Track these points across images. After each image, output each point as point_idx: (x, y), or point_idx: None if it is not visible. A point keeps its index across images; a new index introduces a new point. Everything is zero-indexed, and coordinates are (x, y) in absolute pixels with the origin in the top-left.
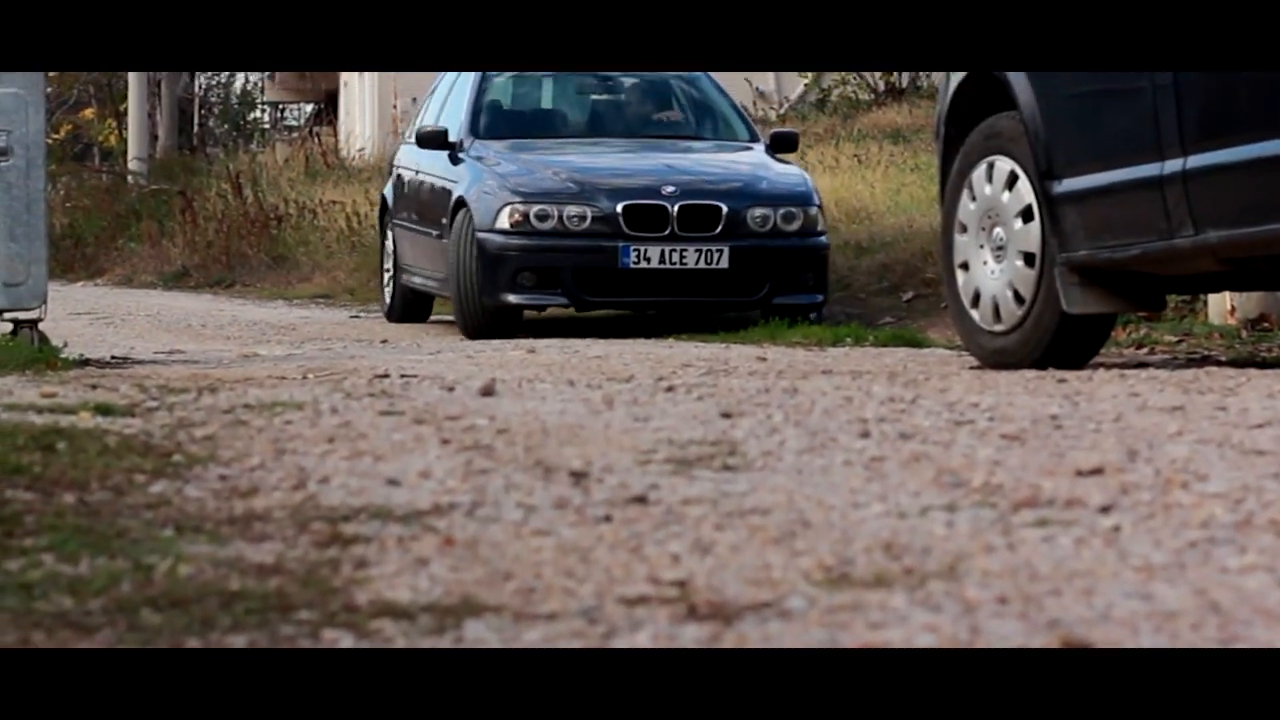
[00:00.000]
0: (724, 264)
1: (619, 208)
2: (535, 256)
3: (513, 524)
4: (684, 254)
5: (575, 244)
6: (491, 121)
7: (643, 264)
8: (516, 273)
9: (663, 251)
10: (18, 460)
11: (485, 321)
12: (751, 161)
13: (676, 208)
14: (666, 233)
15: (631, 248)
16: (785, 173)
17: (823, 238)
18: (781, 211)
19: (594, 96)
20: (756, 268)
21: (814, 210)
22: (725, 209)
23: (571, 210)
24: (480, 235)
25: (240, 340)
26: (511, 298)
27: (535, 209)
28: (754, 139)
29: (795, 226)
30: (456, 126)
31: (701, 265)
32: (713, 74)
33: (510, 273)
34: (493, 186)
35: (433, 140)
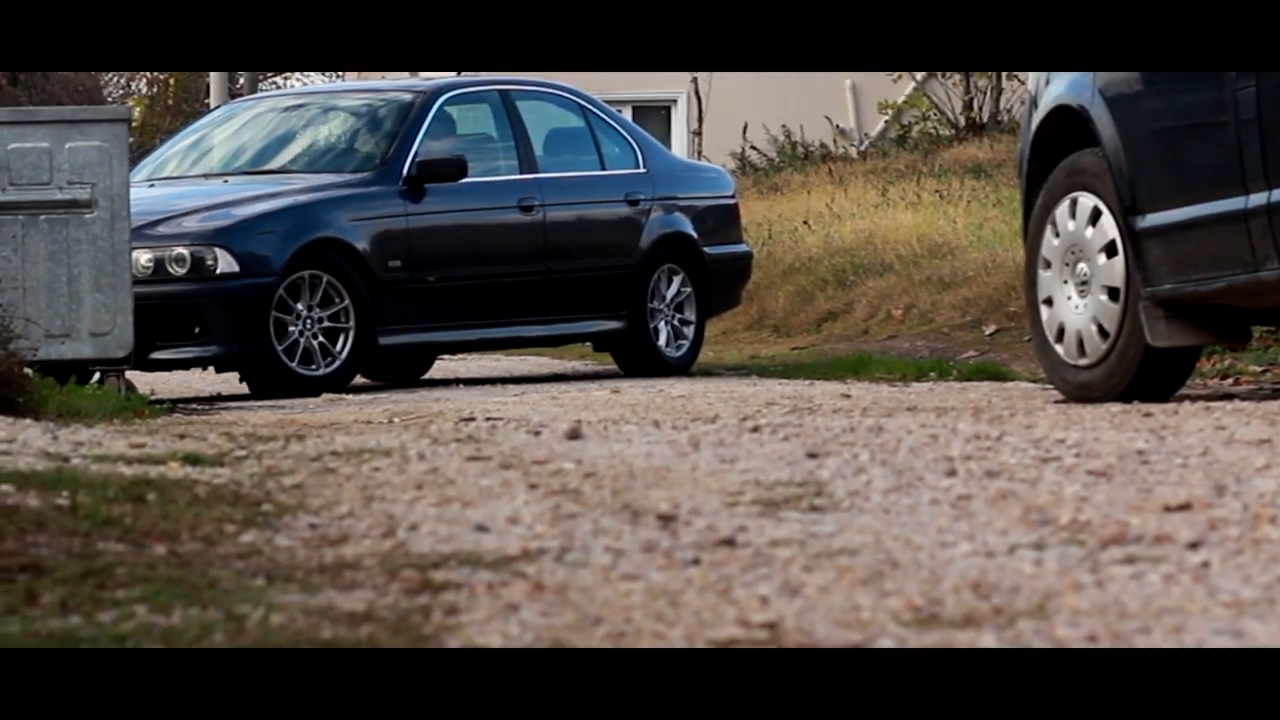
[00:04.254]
0: None
1: None
2: None
3: (601, 568)
4: None
5: None
6: (166, 155)
7: None
8: None
9: None
10: (109, 512)
11: None
12: (299, 194)
13: None
14: None
15: None
16: (249, 211)
17: (229, 282)
18: (172, 253)
19: (291, 129)
20: None
21: (219, 251)
22: None
23: None
24: None
25: None
26: None
27: None
28: (364, 169)
29: (184, 270)
30: None
31: None
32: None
33: None
34: None
35: None
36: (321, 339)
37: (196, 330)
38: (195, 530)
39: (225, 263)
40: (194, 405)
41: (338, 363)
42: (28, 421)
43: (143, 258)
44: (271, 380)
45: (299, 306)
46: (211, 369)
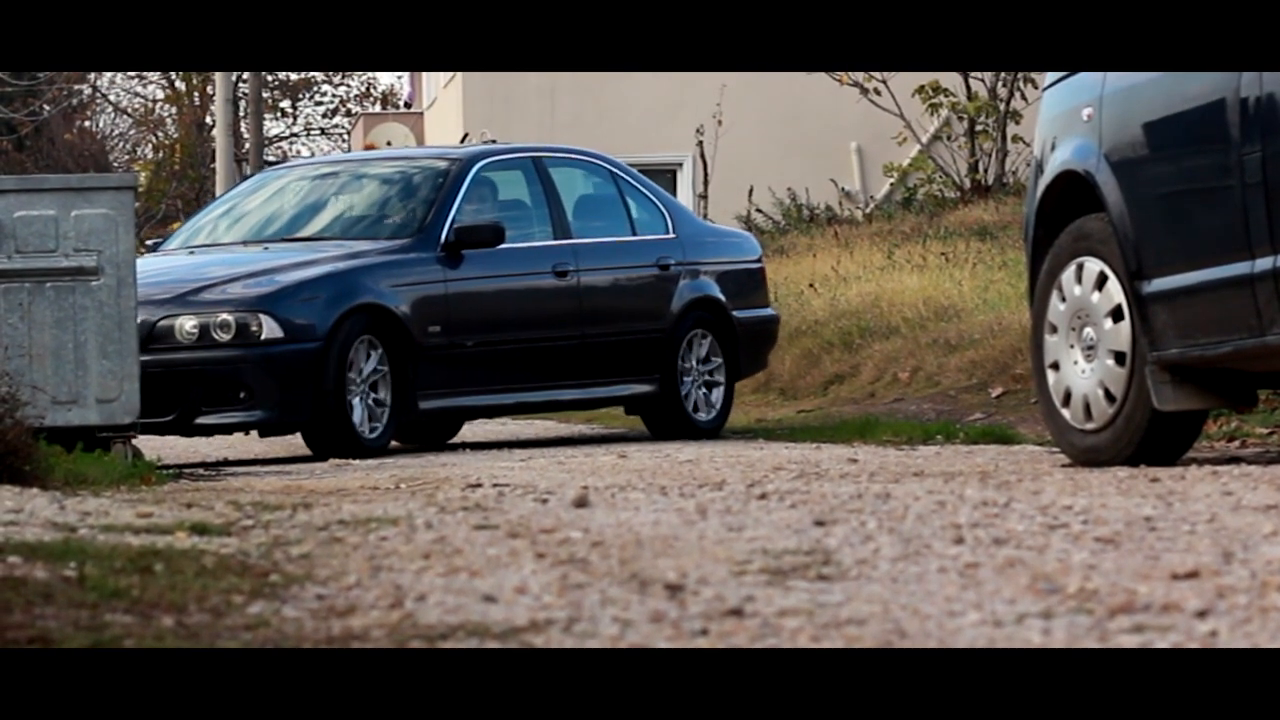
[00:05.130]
0: None
1: None
2: None
3: (610, 638)
4: None
5: None
6: (201, 223)
7: None
8: None
9: None
10: (116, 583)
11: None
12: (341, 260)
13: None
14: None
15: None
16: (292, 278)
17: (273, 348)
18: (217, 320)
19: (325, 197)
20: (165, 384)
21: (263, 317)
22: (139, 319)
23: None
24: None
25: None
26: None
27: None
28: (401, 235)
29: (228, 336)
30: None
31: None
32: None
33: None
34: None
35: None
36: (371, 402)
37: (241, 395)
38: (203, 601)
39: (269, 329)
40: (199, 470)
41: (381, 426)
42: (35, 490)
43: (188, 324)
44: (338, 443)
45: (365, 369)
46: (254, 433)
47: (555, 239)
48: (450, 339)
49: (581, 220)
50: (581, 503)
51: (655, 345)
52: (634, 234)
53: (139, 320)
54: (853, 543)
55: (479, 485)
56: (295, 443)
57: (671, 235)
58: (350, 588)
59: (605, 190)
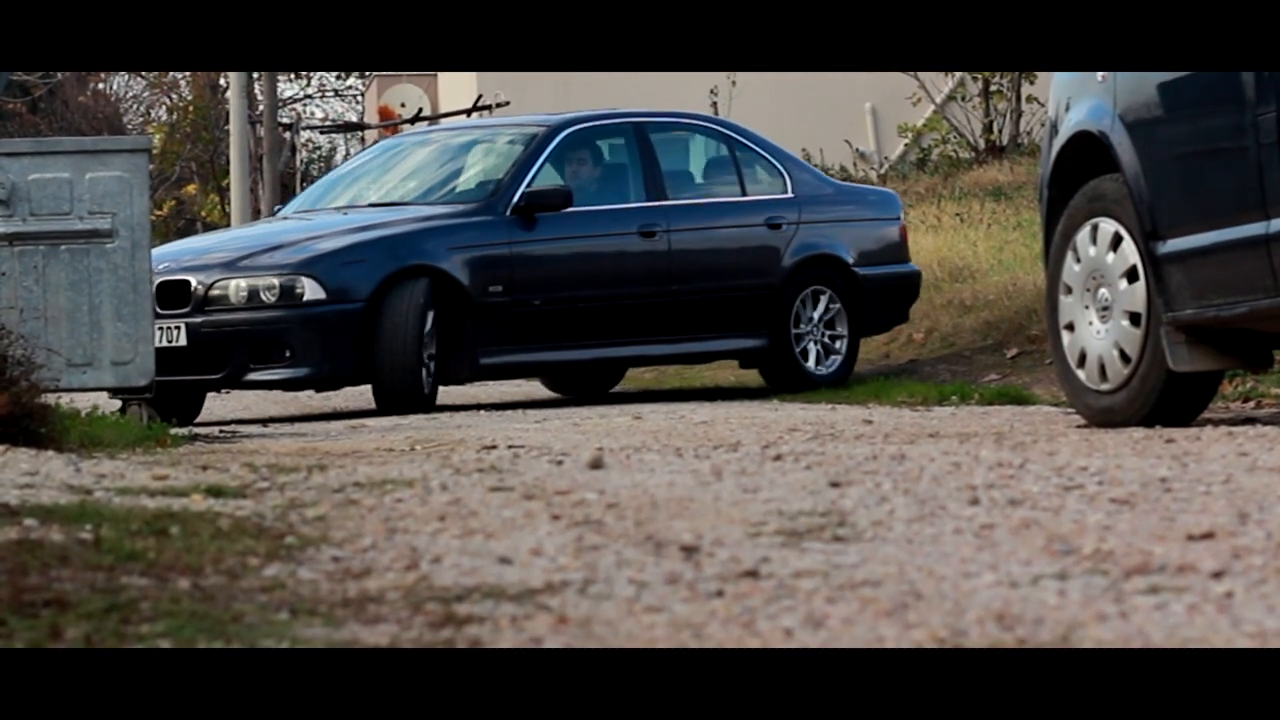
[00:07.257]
0: (182, 341)
1: None
2: None
3: (625, 600)
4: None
5: None
6: (315, 193)
7: None
8: None
9: None
10: (132, 546)
11: None
12: (401, 224)
13: (154, 285)
14: None
15: None
16: (339, 243)
17: (315, 309)
18: (264, 283)
19: (423, 164)
20: (218, 343)
21: (305, 280)
22: (195, 283)
23: None
24: None
25: (344, 406)
26: None
27: None
28: (476, 199)
29: (273, 298)
30: None
31: (164, 344)
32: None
33: None
34: None
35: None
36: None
37: (286, 354)
38: (219, 564)
39: (313, 290)
40: (215, 432)
41: (430, 380)
42: (50, 453)
43: (240, 286)
44: (410, 398)
45: (427, 327)
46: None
47: (648, 201)
48: (514, 298)
49: (684, 182)
50: (596, 464)
51: (762, 301)
52: (744, 194)
53: (195, 283)
54: (868, 504)
55: (494, 447)
56: (311, 404)
57: (788, 195)
58: (366, 550)
59: (716, 152)
